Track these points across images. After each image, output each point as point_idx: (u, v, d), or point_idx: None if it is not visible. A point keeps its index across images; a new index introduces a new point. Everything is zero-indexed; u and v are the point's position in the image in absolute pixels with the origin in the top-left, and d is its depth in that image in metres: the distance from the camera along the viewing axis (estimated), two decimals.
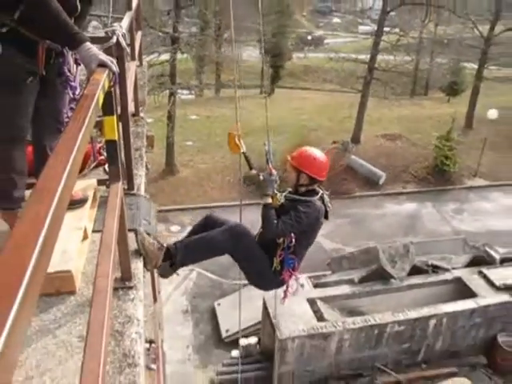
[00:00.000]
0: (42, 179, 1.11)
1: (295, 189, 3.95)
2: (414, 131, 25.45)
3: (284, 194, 3.97)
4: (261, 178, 3.87)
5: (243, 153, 4.10)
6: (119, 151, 2.45)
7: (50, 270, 2.46)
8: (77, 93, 2.82)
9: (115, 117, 2.35)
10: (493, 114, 22.46)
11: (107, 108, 2.28)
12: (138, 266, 2.89)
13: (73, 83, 2.81)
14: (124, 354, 2.23)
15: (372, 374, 8.98)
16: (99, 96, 1.87)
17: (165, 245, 3.48)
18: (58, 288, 2.55)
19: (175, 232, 15.88)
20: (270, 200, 3.78)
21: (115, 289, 2.59)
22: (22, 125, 2.72)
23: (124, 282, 2.67)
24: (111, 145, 2.39)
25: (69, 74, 2.78)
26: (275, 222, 3.68)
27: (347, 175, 21.25)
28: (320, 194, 3.89)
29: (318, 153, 3.93)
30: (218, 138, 23.04)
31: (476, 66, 27.32)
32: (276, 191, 3.88)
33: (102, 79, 2.07)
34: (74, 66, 2.84)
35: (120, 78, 2.68)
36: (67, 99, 2.98)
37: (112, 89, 2.31)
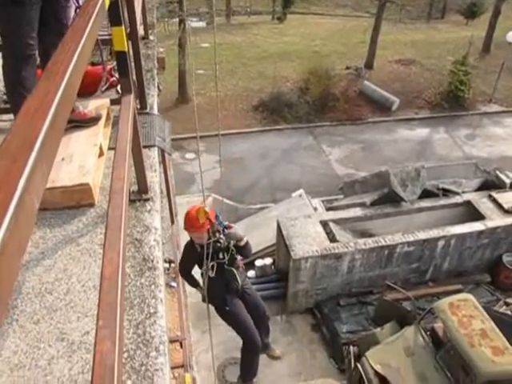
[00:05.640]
0: (52, 62, 1.14)
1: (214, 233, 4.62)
2: (428, 56, 24.73)
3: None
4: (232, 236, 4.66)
5: (200, 287, 5.09)
6: (129, 62, 2.49)
7: (70, 183, 2.60)
8: (81, 2, 2.83)
9: (123, 27, 2.36)
10: None
11: (114, 18, 2.29)
12: (153, 179, 2.98)
13: None
14: (144, 258, 2.40)
15: (381, 291, 9.26)
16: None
17: None
18: (78, 200, 2.70)
19: (190, 159, 15.97)
20: (246, 239, 4.71)
21: (133, 201, 2.73)
22: (28, 42, 2.73)
23: (141, 194, 2.81)
24: (121, 56, 2.42)
25: None
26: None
27: (360, 101, 21.03)
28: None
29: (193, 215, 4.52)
30: (230, 66, 22.68)
31: None
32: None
33: None
34: None
35: None
36: (71, 13, 2.98)
37: None
